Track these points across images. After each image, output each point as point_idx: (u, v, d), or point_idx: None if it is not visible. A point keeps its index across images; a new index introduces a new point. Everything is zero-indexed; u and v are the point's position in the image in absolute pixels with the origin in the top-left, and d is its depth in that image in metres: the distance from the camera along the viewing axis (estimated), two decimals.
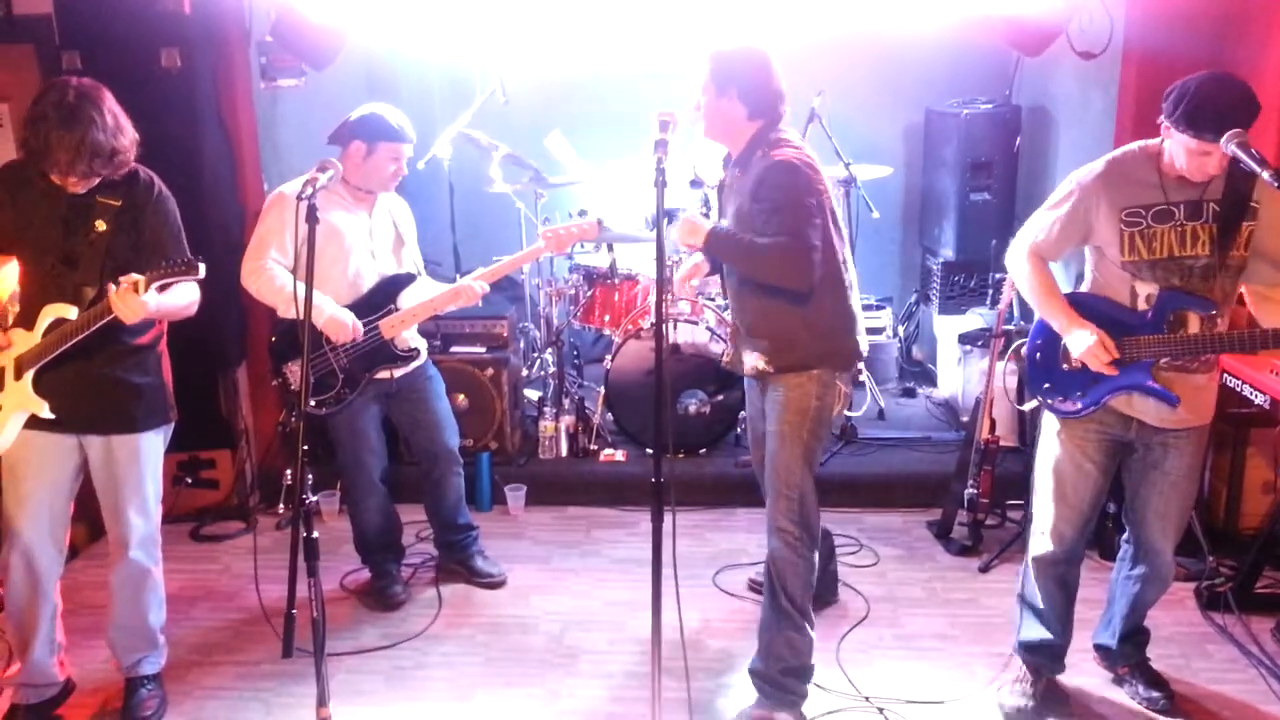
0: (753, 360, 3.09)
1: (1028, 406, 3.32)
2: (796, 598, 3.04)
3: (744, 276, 3.08)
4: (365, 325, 3.48)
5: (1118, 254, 2.86)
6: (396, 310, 3.56)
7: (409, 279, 3.64)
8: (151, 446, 3.03)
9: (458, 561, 3.96)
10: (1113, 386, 2.89)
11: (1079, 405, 2.96)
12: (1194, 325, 2.81)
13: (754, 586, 3.83)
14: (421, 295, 3.60)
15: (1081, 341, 2.86)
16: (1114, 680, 3.27)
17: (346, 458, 3.66)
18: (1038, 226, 3.00)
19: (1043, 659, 3.20)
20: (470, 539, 3.98)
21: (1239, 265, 2.80)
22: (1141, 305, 2.87)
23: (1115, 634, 3.22)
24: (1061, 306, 2.95)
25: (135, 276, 2.73)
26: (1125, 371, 2.86)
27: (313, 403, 3.49)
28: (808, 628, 3.07)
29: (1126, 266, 2.86)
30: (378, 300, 3.55)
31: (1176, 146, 2.72)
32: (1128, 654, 3.24)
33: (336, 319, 3.39)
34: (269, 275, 3.38)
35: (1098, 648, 3.30)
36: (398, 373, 3.62)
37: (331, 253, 3.42)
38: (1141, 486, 3.01)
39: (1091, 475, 2.99)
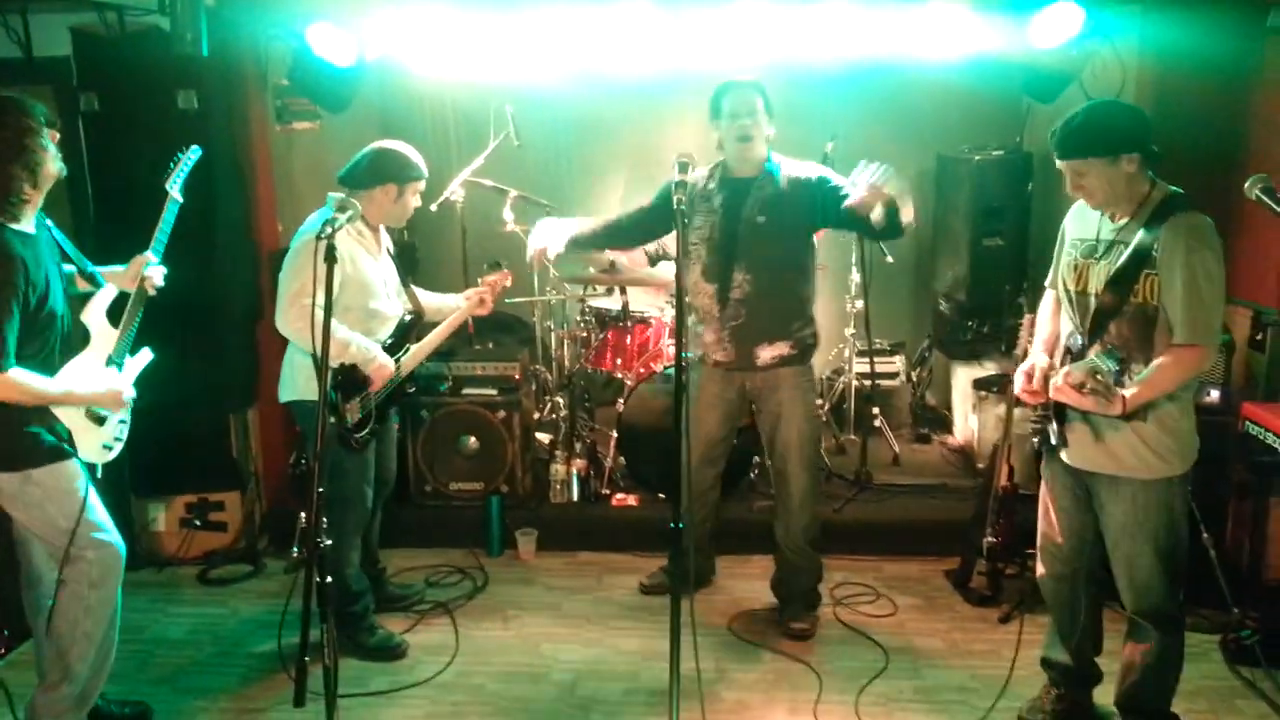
0: None
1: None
2: None
3: None
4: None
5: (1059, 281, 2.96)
6: (409, 349, 3.64)
7: (417, 319, 3.72)
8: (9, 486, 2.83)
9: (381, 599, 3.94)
10: (1052, 421, 2.93)
11: (1039, 440, 2.99)
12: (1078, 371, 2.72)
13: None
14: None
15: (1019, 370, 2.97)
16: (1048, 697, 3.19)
17: (350, 489, 3.57)
18: None
19: (1060, 676, 3.21)
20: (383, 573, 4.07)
21: (1141, 312, 2.68)
22: (1065, 343, 2.93)
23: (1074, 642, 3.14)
24: (1036, 338, 3.07)
25: None
26: (1053, 408, 2.90)
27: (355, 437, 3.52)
28: None
29: (1064, 296, 2.94)
30: (398, 340, 3.62)
31: None
32: (1060, 678, 3.17)
33: (383, 365, 3.46)
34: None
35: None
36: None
37: (359, 295, 3.43)
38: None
39: (1065, 507, 3.00)
